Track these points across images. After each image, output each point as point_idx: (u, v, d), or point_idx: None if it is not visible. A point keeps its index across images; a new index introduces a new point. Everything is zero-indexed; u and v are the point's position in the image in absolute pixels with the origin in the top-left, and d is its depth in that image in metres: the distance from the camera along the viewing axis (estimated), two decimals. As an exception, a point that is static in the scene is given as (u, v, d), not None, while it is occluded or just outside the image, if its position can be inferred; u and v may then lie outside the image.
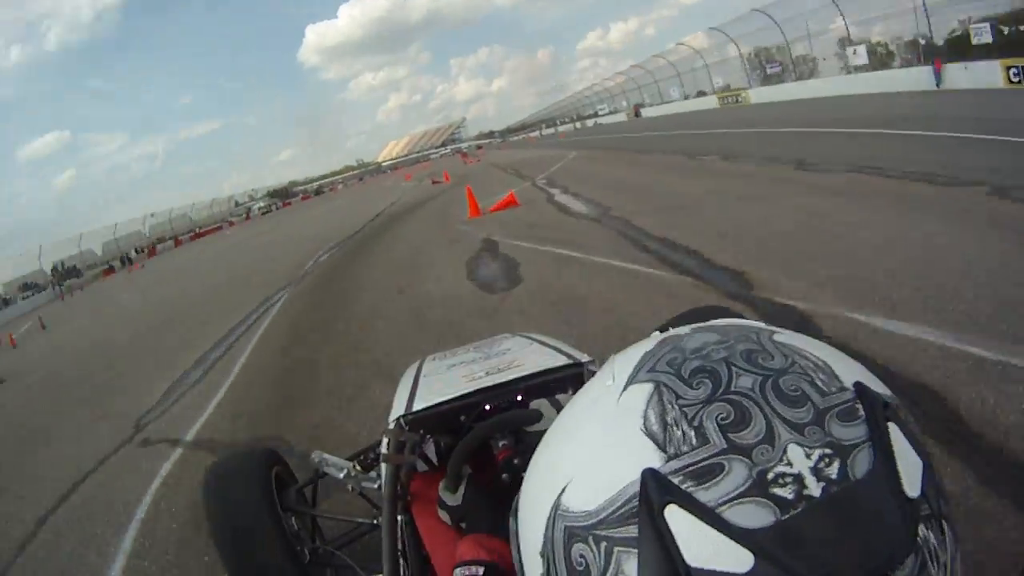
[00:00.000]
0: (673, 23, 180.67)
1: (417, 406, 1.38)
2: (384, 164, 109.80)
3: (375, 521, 1.69)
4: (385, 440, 1.29)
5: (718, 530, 0.41)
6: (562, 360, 1.43)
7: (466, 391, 1.37)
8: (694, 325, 0.61)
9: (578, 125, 60.26)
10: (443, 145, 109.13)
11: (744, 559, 0.40)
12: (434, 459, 1.33)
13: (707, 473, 0.43)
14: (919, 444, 0.47)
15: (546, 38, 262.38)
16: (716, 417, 0.46)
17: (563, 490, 0.50)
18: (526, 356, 1.60)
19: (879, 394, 0.49)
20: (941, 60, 18.16)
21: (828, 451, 0.43)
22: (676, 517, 0.42)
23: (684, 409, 0.47)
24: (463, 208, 11.98)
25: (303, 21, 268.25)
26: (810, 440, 0.44)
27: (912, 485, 0.44)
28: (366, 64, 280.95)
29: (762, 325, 0.58)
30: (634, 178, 11.82)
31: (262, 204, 70.85)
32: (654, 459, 0.45)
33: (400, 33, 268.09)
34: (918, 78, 18.78)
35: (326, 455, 1.60)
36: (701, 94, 38.18)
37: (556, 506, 0.50)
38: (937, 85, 17.76)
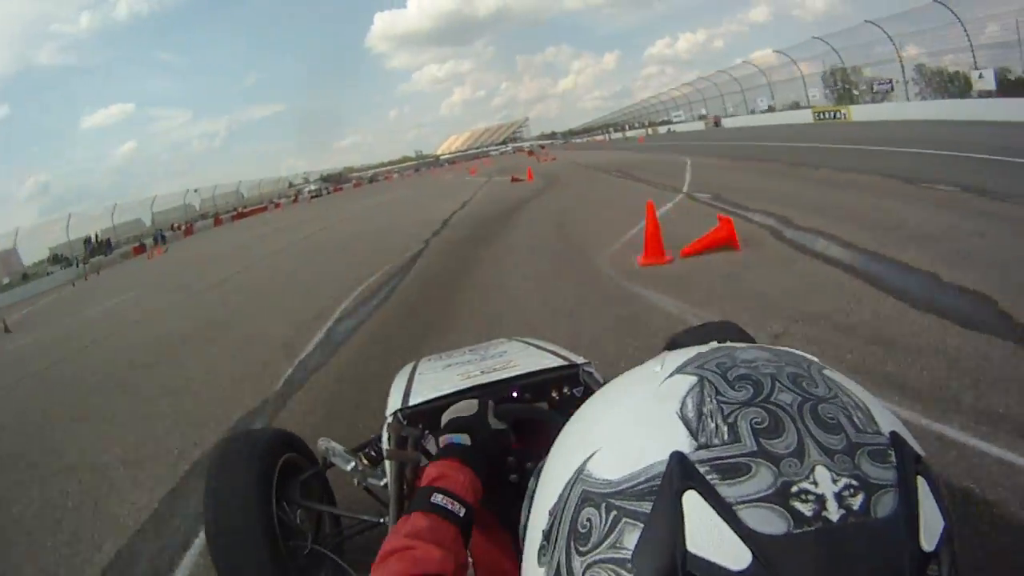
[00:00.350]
0: (741, 38, 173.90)
1: (413, 401, 1.39)
2: (443, 157, 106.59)
3: (381, 520, 1.64)
4: (386, 434, 1.33)
5: (728, 525, 0.41)
6: (558, 362, 1.44)
7: (463, 387, 1.38)
8: (752, 345, 0.60)
9: (649, 131, 58.03)
10: (504, 143, 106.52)
11: (742, 558, 0.40)
12: (433, 454, 1.24)
13: (733, 470, 0.43)
14: (944, 506, 0.46)
15: (613, 42, 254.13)
16: (751, 420, 0.46)
17: (590, 456, 0.51)
18: (522, 358, 1.58)
19: (913, 449, 0.48)
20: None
21: (855, 483, 0.42)
22: (692, 503, 0.42)
23: (722, 405, 0.48)
24: (599, 230, 8.09)
25: (372, 8, 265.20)
26: (839, 467, 0.43)
27: (930, 540, 0.43)
28: (432, 56, 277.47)
29: (816, 359, 0.57)
30: (822, 197, 8.25)
31: (313, 187, 68.00)
32: (684, 444, 0.46)
33: (467, 27, 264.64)
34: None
35: (334, 444, 1.54)
36: (795, 106, 36.47)
37: (580, 470, 0.51)
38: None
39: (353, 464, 1.52)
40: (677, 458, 0.45)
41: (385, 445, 1.33)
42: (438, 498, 0.83)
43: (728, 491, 0.42)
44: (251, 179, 66.14)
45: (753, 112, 42.36)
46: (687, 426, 0.47)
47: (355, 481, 1.54)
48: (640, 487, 0.45)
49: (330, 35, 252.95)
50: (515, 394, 1.34)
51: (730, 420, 0.46)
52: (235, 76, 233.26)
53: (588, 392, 1.30)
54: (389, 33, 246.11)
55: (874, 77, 30.02)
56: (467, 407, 1.12)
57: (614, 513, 0.45)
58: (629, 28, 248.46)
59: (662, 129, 56.63)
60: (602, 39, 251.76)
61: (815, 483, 0.42)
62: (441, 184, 32.44)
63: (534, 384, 1.35)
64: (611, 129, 76.78)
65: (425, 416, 1.33)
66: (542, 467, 0.62)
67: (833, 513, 0.41)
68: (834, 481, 0.42)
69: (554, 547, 0.50)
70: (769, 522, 0.40)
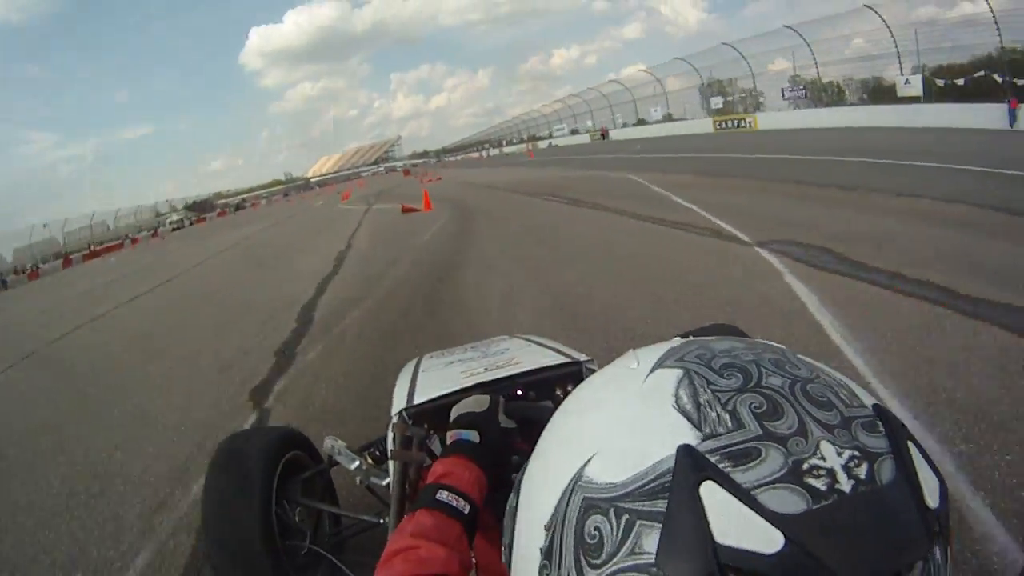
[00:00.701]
0: (614, 54, 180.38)
1: (418, 399, 1.38)
2: (313, 180, 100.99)
3: (382, 520, 1.61)
4: (391, 434, 1.31)
5: (753, 510, 0.40)
6: (560, 359, 1.42)
7: (467, 385, 1.36)
8: (720, 337, 0.59)
9: (530, 146, 56.85)
10: (376, 163, 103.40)
11: (775, 540, 0.39)
12: (438, 454, 1.25)
13: (744, 455, 0.42)
14: (934, 465, 0.47)
15: (487, 59, 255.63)
16: (750, 405, 0.46)
17: (587, 461, 0.48)
18: (524, 355, 1.57)
19: (896, 417, 0.49)
20: (1018, 99, 16.95)
21: (857, 453, 0.43)
22: (711, 494, 0.41)
23: (717, 394, 0.47)
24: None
25: (248, 22, 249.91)
26: (840, 440, 0.44)
27: (933, 497, 0.44)
28: (306, 72, 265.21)
29: (784, 347, 0.57)
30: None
31: (175, 218, 61.15)
32: (689, 436, 0.45)
33: (344, 43, 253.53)
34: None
35: (339, 443, 1.53)
36: (681, 117, 37.25)
37: (578, 477, 0.48)
38: (1011, 124, 16.58)
39: (357, 463, 1.52)
40: (686, 450, 0.43)
41: (390, 445, 1.32)
42: (443, 495, 0.81)
43: (743, 477, 0.41)
44: (109, 209, 61.56)
45: (644, 122, 41.52)
46: (687, 418, 0.46)
47: (358, 480, 1.54)
48: (651, 486, 0.43)
49: (205, 51, 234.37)
50: (520, 392, 1.32)
51: (729, 408, 0.45)
52: (103, 95, 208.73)
53: None
54: (264, 49, 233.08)
55: (783, 85, 30.10)
56: (477, 403, 1.06)
57: (626, 517, 0.43)
58: (504, 45, 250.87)
59: (543, 144, 55.54)
60: (476, 56, 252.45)
61: (823, 458, 0.42)
62: (309, 215, 25.56)
63: (537, 382, 1.32)
64: (487, 146, 76.23)
65: (429, 415, 1.32)
66: (522, 482, 0.59)
67: (845, 484, 0.41)
68: (839, 454, 0.42)
69: (559, 565, 0.47)
70: (790, 502, 0.40)
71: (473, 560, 0.81)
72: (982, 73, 20.25)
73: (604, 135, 45.03)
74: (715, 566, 0.39)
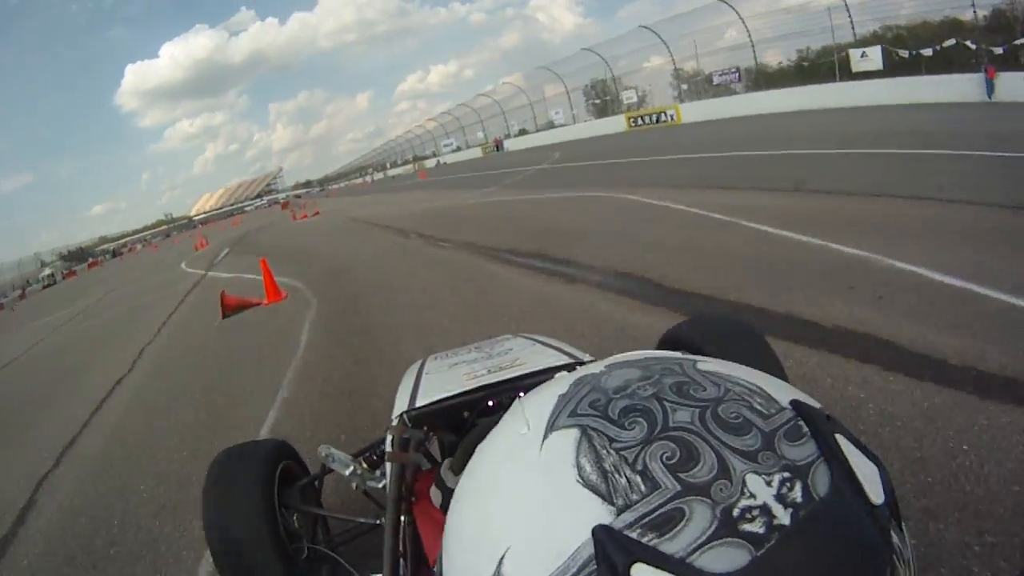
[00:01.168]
0: (491, 66, 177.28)
1: (420, 402, 1.37)
2: (196, 218, 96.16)
3: (378, 521, 1.60)
4: (389, 437, 1.30)
5: None
6: (564, 359, 1.41)
7: (469, 387, 1.36)
8: (608, 361, 0.55)
9: (416, 167, 52.90)
10: (259, 196, 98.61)
11: None
12: (438, 456, 1.30)
13: (667, 521, 0.39)
14: (867, 450, 0.44)
15: (365, 81, 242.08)
16: (661, 457, 0.41)
17: (501, 561, 0.42)
18: (528, 355, 1.55)
19: (818, 409, 0.46)
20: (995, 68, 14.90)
21: (787, 474, 0.40)
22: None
23: (622, 453, 0.42)
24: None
25: (123, 60, 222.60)
26: (766, 467, 0.40)
27: (875, 492, 0.41)
28: (185, 110, 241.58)
29: (681, 355, 0.53)
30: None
31: (47, 272, 52.58)
32: (602, 514, 0.40)
33: (222, 76, 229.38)
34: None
35: (333, 450, 1.52)
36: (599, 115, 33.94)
37: None
38: (989, 96, 14.66)
39: (352, 468, 1.50)
40: (603, 532, 0.39)
41: (388, 447, 1.30)
42: None
43: (673, 546, 0.37)
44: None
45: (552, 126, 37.61)
46: (595, 491, 0.41)
47: (354, 485, 1.52)
48: None
49: (79, 92, 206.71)
50: (521, 395, 1.19)
51: (639, 467, 0.41)
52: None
53: None
54: (141, 87, 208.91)
55: (695, 73, 28.56)
56: None
57: None
58: (381, 65, 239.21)
59: (430, 163, 51.50)
60: (354, 79, 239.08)
61: (753, 496, 0.39)
62: (153, 275, 18.20)
63: (539, 383, 1.06)
64: (371, 170, 72.06)
65: (431, 418, 1.31)
66: (441, 568, 0.51)
67: (783, 517, 0.38)
68: (768, 484, 0.39)
69: None
70: (731, 557, 0.36)
71: None
72: (953, 42, 17.46)
73: (498, 146, 40.90)
74: None
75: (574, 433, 0.45)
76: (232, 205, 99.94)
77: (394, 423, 1.33)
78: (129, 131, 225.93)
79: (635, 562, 0.36)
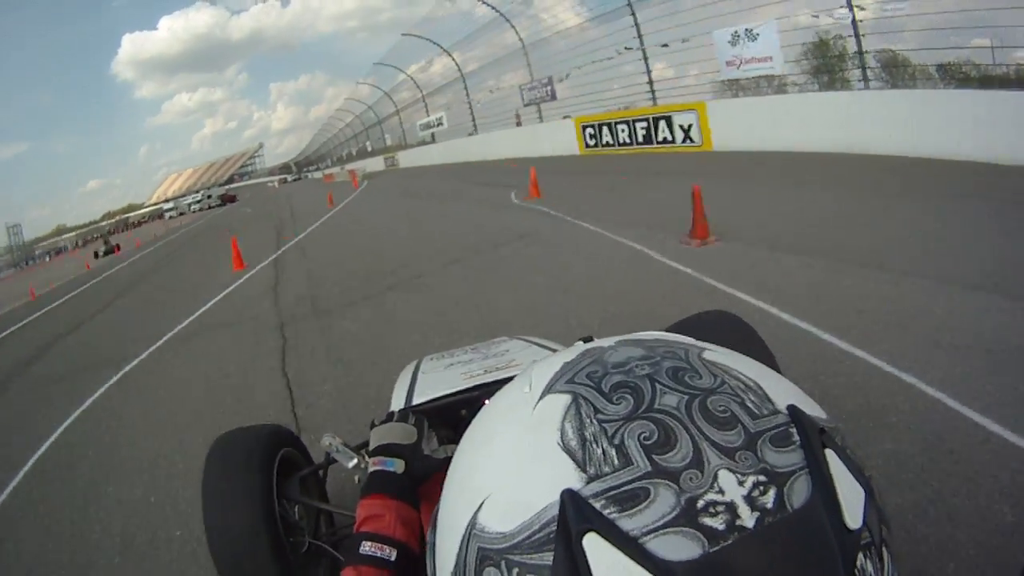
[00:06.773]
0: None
1: (417, 400, 1.41)
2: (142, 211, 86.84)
3: None
4: None
5: (638, 563, 0.36)
6: None
7: (466, 386, 1.39)
8: (620, 338, 0.56)
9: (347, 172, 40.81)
10: (230, 180, 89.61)
11: None
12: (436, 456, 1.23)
13: (631, 498, 0.38)
14: (858, 471, 0.42)
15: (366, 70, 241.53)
16: (639, 436, 0.41)
17: (480, 507, 0.44)
18: (523, 356, 1.58)
19: (815, 418, 0.45)
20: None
21: (762, 478, 0.39)
22: (594, 546, 0.37)
23: (604, 425, 0.43)
24: None
25: (120, 29, 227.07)
26: (742, 466, 0.39)
27: (853, 516, 0.39)
28: (182, 83, 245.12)
29: (692, 341, 0.53)
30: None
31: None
32: (573, 479, 0.40)
33: (220, 52, 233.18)
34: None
35: (337, 441, 1.43)
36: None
37: (472, 524, 0.44)
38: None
39: (355, 461, 1.44)
40: (569, 497, 0.39)
41: None
42: (366, 547, 0.76)
43: (630, 523, 0.37)
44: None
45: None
46: (572, 457, 0.42)
47: (356, 479, 1.45)
48: (537, 537, 0.39)
49: (75, 62, 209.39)
50: None
51: (616, 441, 0.41)
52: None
53: None
54: (138, 57, 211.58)
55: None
56: (405, 434, 0.99)
57: (516, 571, 0.39)
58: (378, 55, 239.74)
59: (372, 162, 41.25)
60: (354, 68, 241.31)
61: (721, 491, 0.38)
62: None
63: None
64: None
65: (426, 415, 1.26)
66: (436, 519, 0.54)
67: (748, 519, 0.37)
68: (740, 483, 0.38)
69: None
70: (682, 547, 0.36)
71: None
72: None
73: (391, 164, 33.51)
74: None
75: (566, 399, 0.46)
76: (198, 190, 78.36)
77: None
78: (126, 102, 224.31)
79: (589, 531, 0.37)
